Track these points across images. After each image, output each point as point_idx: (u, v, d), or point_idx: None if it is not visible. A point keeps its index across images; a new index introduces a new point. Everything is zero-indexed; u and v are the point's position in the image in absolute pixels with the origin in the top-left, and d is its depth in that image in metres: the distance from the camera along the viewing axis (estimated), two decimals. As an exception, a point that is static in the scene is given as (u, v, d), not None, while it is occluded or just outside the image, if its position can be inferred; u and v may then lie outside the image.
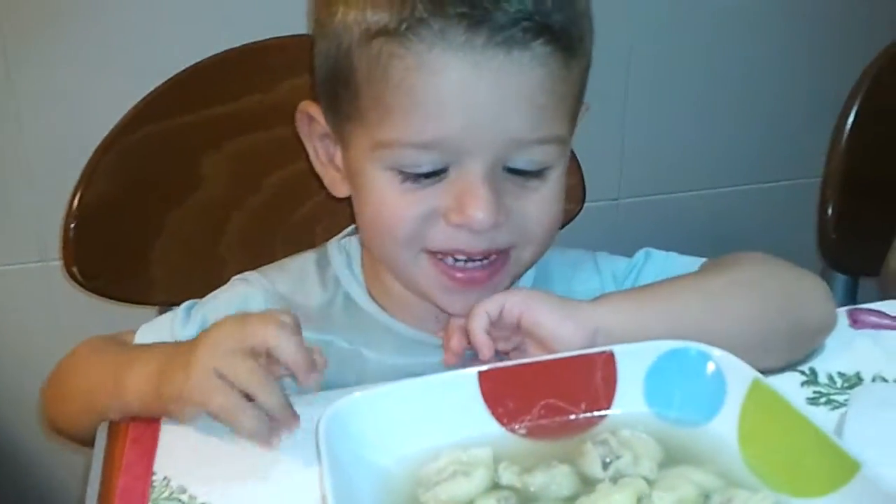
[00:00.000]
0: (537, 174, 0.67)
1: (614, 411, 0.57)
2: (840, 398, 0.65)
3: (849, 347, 0.70)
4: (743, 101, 1.39)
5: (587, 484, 0.52)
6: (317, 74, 0.70)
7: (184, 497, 0.58)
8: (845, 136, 1.04)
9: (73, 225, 0.88)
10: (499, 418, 0.56)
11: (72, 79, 1.13)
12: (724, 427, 0.55)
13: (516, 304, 0.63)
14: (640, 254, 0.80)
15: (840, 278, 1.10)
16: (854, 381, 0.67)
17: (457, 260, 0.68)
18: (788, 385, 0.66)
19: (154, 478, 0.59)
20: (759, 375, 0.55)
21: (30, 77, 1.12)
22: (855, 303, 0.77)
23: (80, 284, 0.90)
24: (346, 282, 0.77)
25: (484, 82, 0.62)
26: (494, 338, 0.65)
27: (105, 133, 0.90)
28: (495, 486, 0.52)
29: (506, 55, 0.62)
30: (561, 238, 0.71)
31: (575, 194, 0.98)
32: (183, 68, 0.92)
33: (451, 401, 0.55)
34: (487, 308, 0.64)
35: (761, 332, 0.65)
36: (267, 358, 0.60)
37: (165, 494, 0.58)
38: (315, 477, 0.54)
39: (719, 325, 0.63)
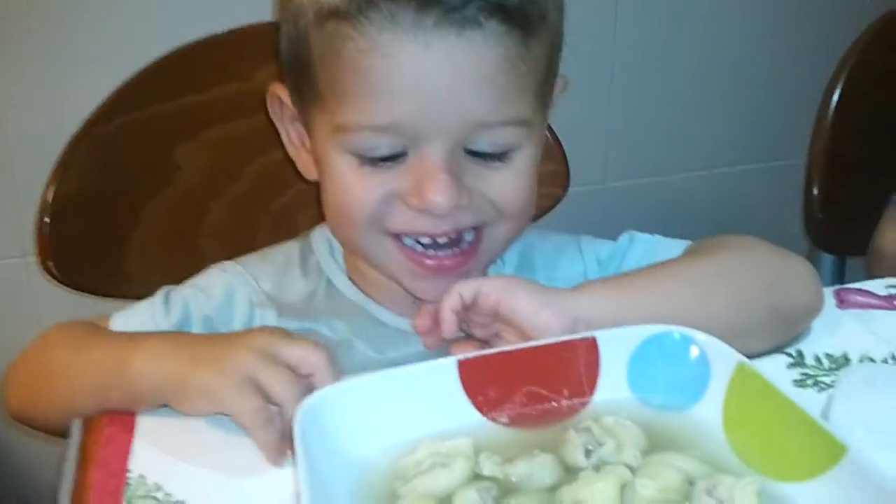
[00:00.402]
0: (500, 156, 0.66)
1: (597, 398, 0.56)
2: (827, 380, 0.64)
3: (836, 328, 0.70)
4: (729, 82, 1.38)
5: (570, 472, 0.51)
6: (281, 58, 0.69)
7: (159, 495, 0.56)
8: (830, 115, 1.03)
9: (47, 219, 0.86)
10: (479, 407, 0.55)
11: (50, 71, 1.11)
12: (709, 411, 0.54)
13: (493, 290, 0.62)
14: (625, 237, 0.79)
15: (827, 258, 1.09)
16: (841, 363, 0.66)
17: (424, 246, 0.68)
18: (775, 367, 0.66)
19: (129, 475, 0.58)
20: (744, 359, 0.54)
21: (6, 72, 1.10)
22: (843, 282, 0.77)
23: (57, 279, 0.88)
24: (329, 269, 0.77)
25: (436, 64, 0.61)
26: (472, 323, 0.64)
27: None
28: (476, 477, 0.51)
29: (458, 35, 0.61)
30: (547, 223, 0.70)
31: (559, 179, 0.97)
32: (157, 57, 0.90)
33: (429, 390, 0.54)
34: (461, 290, 0.63)
35: (744, 318, 0.64)
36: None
37: (140, 492, 0.57)
38: (291, 473, 0.52)
39: (701, 312, 0.62)
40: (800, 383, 0.64)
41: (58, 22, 1.10)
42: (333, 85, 0.64)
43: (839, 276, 1.09)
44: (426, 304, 0.67)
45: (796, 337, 0.68)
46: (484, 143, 0.65)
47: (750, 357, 0.54)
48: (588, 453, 0.52)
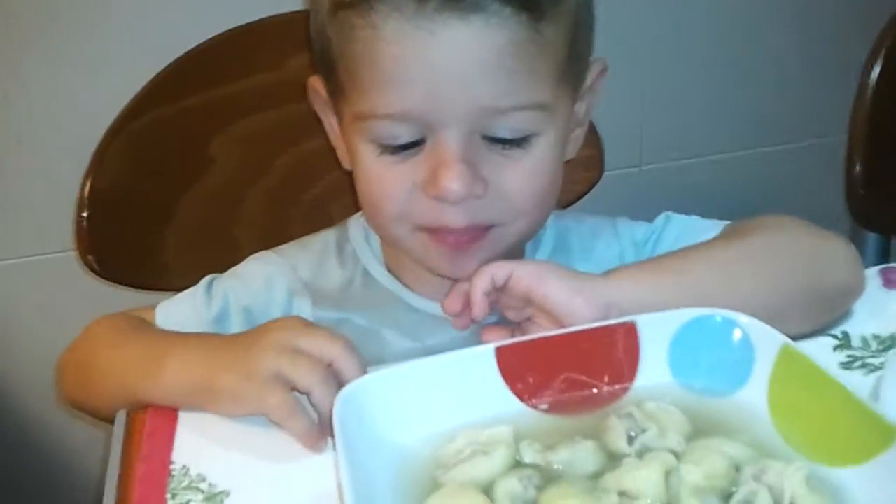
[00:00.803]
0: (519, 143, 0.65)
1: (638, 383, 0.55)
2: (875, 361, 0.63)
3: (883, 308, 0.68)
4: (765, 60, 1.35)
5: (612, 459, 0.51)
6: (312, 49, 0.70)
7: (203, 486, 0.57)
8: (870, 89, 1.00)
9: (84, 213, 0.87)
10: (518, 394, 0.55)
11: (83, 67, 1.12)
12: (754, 396, 0.53)
13: (525, 275, 0.62)
14: (661, 218, 0.78)
15: (871, 237, 1.07)
16: (889, 344, 0.64)
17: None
18: (820, 350, 0.64)
19: (172, 467, 0.58)
20: (789, 341, 0.53)
21: (41, 71, 1.11)
22: (888, 261, 0.75)
23: (96, 273, 0.89)
24: (365, 258, 0.77)
25: (441, 50, 0.61)
26: (504, 306, 0.64)
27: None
28: (517, 464, 0.51)
29: (460, 20, 0.60)
30: (582, 208, 0.69)
31: (594, 163, 0.96)
32: (188, 49, 0.91)
33: (467, 378, 0.54)
34: (493, 271, 0.62)
35: (776, 300, 0.63)
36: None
37: (185, 484, 0.57)
38: (332, 462, 0.52)
39: (734, 296, 0.61)
40: (846, 366, 0.63)
41: (89, 19, 1.10)
42: (350, 74, 0.65)
43: (884, 256, 1.06)
44: (458, 283, 0.66)
45: (838, 318, 0.67)
46: (501, 129, 0.64)
47: (793, 340, 0.53)
48: (631, 439, 0.51)
